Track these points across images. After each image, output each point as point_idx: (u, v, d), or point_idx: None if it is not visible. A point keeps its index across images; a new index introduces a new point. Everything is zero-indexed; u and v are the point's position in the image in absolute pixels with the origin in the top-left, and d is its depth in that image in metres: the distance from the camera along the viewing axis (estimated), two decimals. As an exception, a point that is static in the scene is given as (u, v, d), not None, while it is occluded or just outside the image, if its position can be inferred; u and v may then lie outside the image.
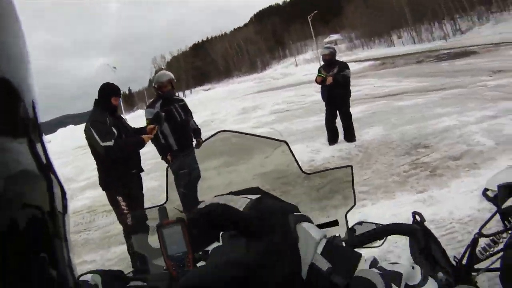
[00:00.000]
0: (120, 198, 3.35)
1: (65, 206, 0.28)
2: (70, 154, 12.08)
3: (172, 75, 4.21)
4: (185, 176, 3.56)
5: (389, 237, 3.18)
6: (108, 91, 3.42)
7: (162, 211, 1.07)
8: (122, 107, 28.91)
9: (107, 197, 3.48)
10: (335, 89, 5.91)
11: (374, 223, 1.18)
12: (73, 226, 5.29)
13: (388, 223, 1.11)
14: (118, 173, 3.36)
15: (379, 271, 0.68)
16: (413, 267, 0.76)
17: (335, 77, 5.88)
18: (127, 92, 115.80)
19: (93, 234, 4.76)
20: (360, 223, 1.21)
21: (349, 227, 1.22)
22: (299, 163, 1.33)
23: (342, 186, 1.43)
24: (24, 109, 0.24)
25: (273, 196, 1.30)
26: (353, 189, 1.32)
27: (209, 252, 1.12)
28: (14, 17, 0.23)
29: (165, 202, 1.53)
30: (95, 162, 3.51)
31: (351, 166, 1.31)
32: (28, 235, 0.23)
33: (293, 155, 1.31)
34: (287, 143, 1.31)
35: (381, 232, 1.10)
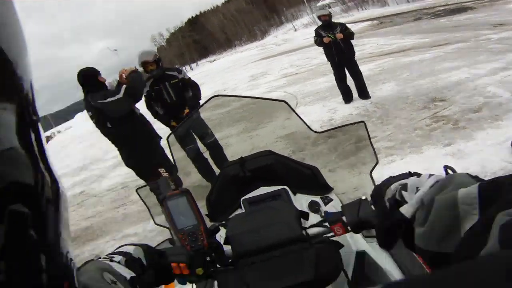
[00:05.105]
0: (162, 170, 3.38)
1: (57, 196, 0.27)
2: (92, 137, 12.60)
3: (149, 54, 4.03)
4: (192, 150, 3.60)
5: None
6: (92, 73, 3.48)
7: (163, 182, 0.99)
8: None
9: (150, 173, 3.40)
10: (343, 47, 5.86)
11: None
12: (110, 202, 5.70)
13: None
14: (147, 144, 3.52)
15: None
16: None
17: (344, 33, 5.82)
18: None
19: (131, 209, 4.97)
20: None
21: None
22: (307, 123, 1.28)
23: (358, 143, 1.35)
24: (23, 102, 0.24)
25: (286, 157, 1.31)
26: (372, 145, 1.22)
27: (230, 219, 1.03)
28: (12, 9, 0.23)
29: (176, 172, 1.58)
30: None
31: (364, 122, 1.23)
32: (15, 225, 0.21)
33: (297, 115, 1.27)
34: (286, 103, 1.26)
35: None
